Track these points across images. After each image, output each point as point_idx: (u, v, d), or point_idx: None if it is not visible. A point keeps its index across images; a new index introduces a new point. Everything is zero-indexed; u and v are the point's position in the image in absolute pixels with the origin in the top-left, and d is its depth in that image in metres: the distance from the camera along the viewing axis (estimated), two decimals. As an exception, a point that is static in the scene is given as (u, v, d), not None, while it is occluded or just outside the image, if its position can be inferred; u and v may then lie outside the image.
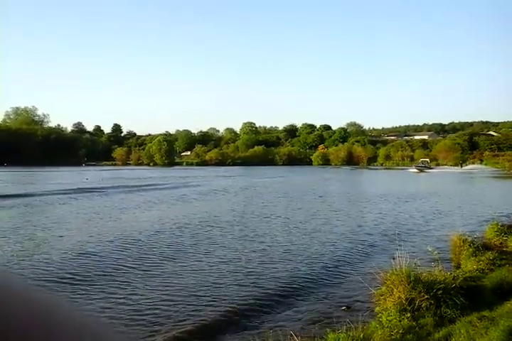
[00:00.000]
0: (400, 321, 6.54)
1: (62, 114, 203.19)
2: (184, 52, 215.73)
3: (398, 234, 14.96)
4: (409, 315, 6.66)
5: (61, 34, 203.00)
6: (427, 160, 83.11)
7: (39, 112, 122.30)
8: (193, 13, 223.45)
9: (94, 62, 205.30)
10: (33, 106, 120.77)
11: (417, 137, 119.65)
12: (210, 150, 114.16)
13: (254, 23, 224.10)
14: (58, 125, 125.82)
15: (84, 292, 9.04)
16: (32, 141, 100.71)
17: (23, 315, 0.37)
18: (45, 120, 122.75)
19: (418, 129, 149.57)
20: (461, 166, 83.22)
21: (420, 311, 6.82)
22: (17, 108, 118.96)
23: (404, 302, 6.93)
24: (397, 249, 8.51)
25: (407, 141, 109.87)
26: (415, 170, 74.86)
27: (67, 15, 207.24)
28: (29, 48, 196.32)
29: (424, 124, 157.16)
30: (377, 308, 7.35)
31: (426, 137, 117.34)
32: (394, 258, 7.84)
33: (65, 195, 29.42)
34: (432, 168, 78.11)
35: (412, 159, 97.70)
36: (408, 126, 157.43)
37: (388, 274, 7.61)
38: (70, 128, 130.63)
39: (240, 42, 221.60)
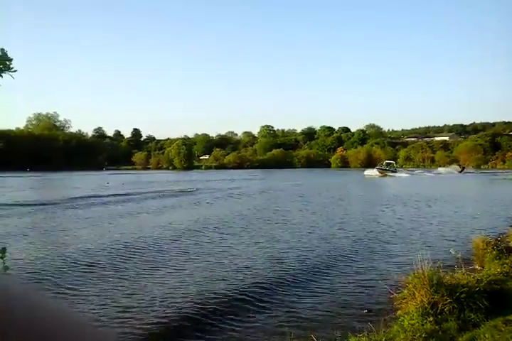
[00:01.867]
0: (423, 325, 6.44)
1: (83, 119, 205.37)
2: (204, 56, 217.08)
3: (419, 237, 14.80)
4: (431, 318, 6.56)
5: (80, 40, 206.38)
6: (393, 162, 74.38)
7: (60, 118, 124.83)
8: (231, 11, 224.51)
9: (113, 68, 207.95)
10: (55, 112, 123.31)
11: (437, 138, 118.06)
12: (228, 154, 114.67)
13: (273, 24, 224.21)
14: (79, 130, 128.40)
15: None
16: (53, 146, 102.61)
17: (23, 320, 0.37)
18: (67, 125, 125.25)
19: (439, 130, 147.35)
20: (462, 170, 74.36)
21: (443, 315, 6.71)
22: (39, 114, 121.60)
23: (426, 305, 6.83)
24: (418, 252, 8.41)
25: (428, 143, 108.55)
26: (376, 174, 63.96)
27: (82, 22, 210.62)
28: (50, 53, 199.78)
29: (445, 125, 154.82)
30: (399, 312, 7.26)
31: (447, 138, 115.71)
32: (415, 262, 7.73)
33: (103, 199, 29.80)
34: (396, 171, 67.22)
35: (433, 161, 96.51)
36: (428, 127, 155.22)
37: (410, 277, 7.51)
38: (90, 134, 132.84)
39: (260, 46, 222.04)
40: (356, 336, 5.99)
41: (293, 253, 12.99)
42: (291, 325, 7.53)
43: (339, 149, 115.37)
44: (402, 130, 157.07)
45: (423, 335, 6.05)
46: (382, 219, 20.17)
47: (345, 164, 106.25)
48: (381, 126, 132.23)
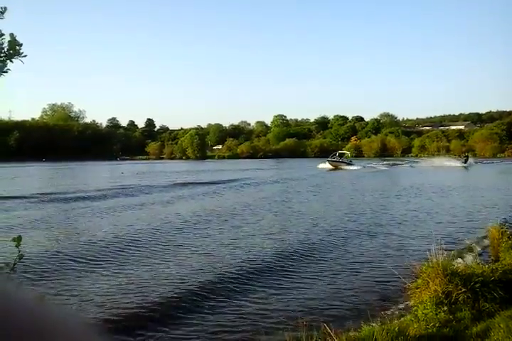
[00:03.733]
0: (437, 314, 6.41)
1: (97, 109, 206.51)
2: (215, 45, 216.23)
3: (433, 226, 14.69)
4: (445, 308, 6.53)
5: (89, 31, 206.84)
6: (347, 152, 64.00)
7: (75, 108, 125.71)
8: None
9: (126, 58, 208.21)
10: (69, 103, 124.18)
11: (453, 127, 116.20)
12: (241, 144, 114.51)
13: (286, 12, 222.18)
14: (94, 120, 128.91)
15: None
16: (68, 136, 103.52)
17: (21, 321, 0.37)
18: (81, 116, 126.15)
19: (454, 119, 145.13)
20: (466, 160, 59.48)
21: (457, 305, 6.67)
22: (54, 104, 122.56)
23: (440, 295, 6.79)
24: (432, 242, 8.35)
25: (443, 132, 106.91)
26: (328, 166, 55.80)
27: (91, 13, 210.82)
28: (62, 42, 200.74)
29: (460, 114, 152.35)
30: (413, 301, 7.24)
31: (462, 127, 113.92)
32: (429, 251, 7.68)
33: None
34: (351, 163, 57.95)
35: (448, 150, 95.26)
36: (443, 116, 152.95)
37: (424, 267, 7.47)
38: (105, 124, 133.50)
39: (273, 35, 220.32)
40: (369, 325, 5.98)
41: (303, 241, 13.00)
42: (304, 313, 7.55)
43: (353, 138, 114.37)
44: (417, 119, 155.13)
45: (437, 325, 6.03)
46: (394, 209, 20.06)
47: (359, 153, 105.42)
48: (395, 115, 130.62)
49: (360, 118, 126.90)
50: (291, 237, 13.86)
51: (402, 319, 6.44)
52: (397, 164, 65.18)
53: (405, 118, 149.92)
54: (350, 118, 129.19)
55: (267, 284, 9.21)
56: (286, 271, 10.21)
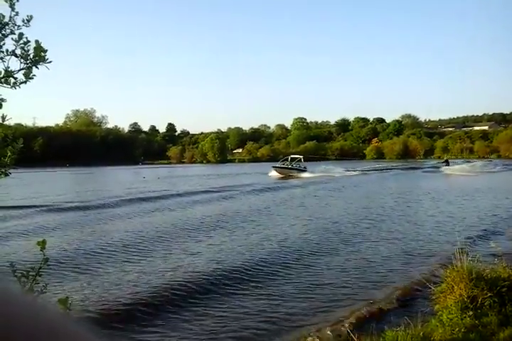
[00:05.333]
0: (462, 319, 6.29)
1: (119, 114, 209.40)
2: (235, 50, 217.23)
3: (456, 230, 14.43)
4: (471, 313, 6.40)
5: (111, 36, 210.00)
6: (300, 157, 51.34)
7: (97, 114, 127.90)
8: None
9: (149, 64, 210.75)
10: (92, 108, 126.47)
11: (476, 128, 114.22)
12: (261, 147, 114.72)
13: (302, 13, 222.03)
14: (116, 126, 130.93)
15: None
16: (91, 141, 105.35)
17: (22, 324, 0.37)
18: (104, 121, 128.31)
19: (477, 119, 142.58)
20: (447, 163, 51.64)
21: (483, 309, 6.53)
22: (77, 110, 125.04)
23: (465, 300, 6.66)
24: (456, 245, 8.21)
25: (466, 133, 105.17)
26: (276, 174, 47.17)
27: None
28: (84, 50, 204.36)
29: (484, 114, 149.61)
30: (437, 306, 7.11)
31: (486, 128, 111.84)
32: (454, 254, 7.55)
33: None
34: (305, 170, 47.39)
35: (472, 151, 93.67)
36: (467, 117, 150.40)
37: (448, 271, 7.34)
38: (127, 129, 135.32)
39: (291, 37, 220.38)
40: (393, 330, 5.90)
41: (324, 245, 12.93)
42: (326, 317, 7.50)
43: (374, 140, 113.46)
44: (440, 120, 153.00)
45: (462, 330, 5.91)
46: (417, 213, 19.81)
47: (380, 155, 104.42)
48: (417, 116, 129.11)
49: (381, 120, 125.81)
50: (309, 241, 13.79)
51: (426, 324, 6.33)
52: (381, 169, 55.94)
53: (427, 120, 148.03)
54: (371, 120, 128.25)
55: (288, 284, 9.17)
56: (307, 273, 10.16)
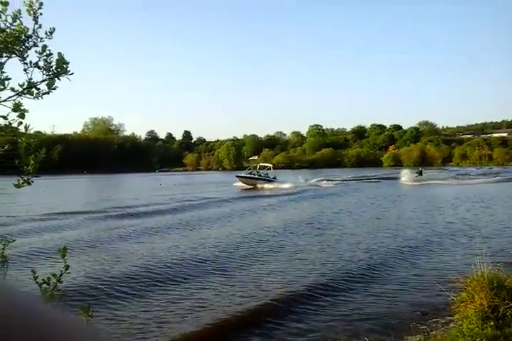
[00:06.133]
0: (483, 330, 6.17)
1: (136, 122, 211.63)
2: (251, 57, 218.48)
3: (477, 240, 14.22)
4: (492, 323, 6.27)
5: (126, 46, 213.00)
6: (269, 165, 48.08)
7: (115, 122, 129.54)
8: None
9: (167, 73, 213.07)
10: (110, 116, 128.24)
11: (495, 135, 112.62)
12: (277, 154, 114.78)
13: (305, 24, 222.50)
14: (133, 133, 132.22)
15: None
16: (109, 149, 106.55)
17: (23, 326, 0.37)
18: (121, 129, 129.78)
19: (496, 126, 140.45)
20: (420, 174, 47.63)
21: (505, 320, 6.40)
22: (95, 118, 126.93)
23: (486, 309, 6.54)
24: (476, 254, 8.07)
25: (485, 139, 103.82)
26: (241, 185, 43.48)
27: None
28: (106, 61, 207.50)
29: (503, 121, 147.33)
30: (457, 316, 7.00)
31: (505, 134, 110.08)
32: (474, 263, 7.43)
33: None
34: (274, 180, 43.41)
35: (491, 158, 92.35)
36: (485, 123, 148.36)
37: (469, 280, 7.22)
38: (143, 136, 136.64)
39: (308, 45, 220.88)
40: (413, 339, 5.82)
41: (347, 255, 12.83)
42: (345, 326, 7.43)
43: (391, 147, 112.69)
44: (457, 127, 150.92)
45: (483, 340, 5.80)
46: (435, 223, 19.55)
47: (397, 163, 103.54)
48: (435, 123, 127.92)
49: (398, 127, 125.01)
50: (328, 256, 13.71)
51: (446, 334, 6.23)
52: (360, 179, 50.42)
53: (445, 127, 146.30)
54: (387, 127, 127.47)
55: (309, 296, 9.11)
56: (327, 283, 10.09)
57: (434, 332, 5.99)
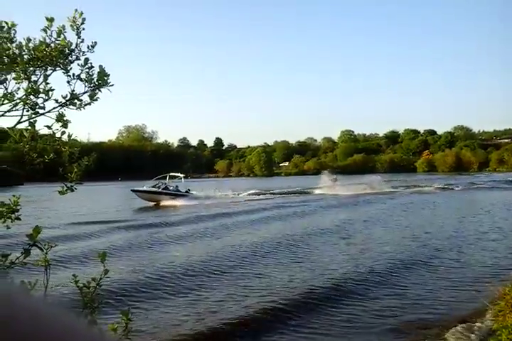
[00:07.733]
0: (523, 340, 5.99)
1: (169, 130, 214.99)
2: (282, 63, 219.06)
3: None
4: (533, 334, 6.08)
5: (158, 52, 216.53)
6: (180, 175, 39.79)
7: (148, 129, 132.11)
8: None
9: (196, 81, 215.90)
10: (143, 124, 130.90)
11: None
12: (307, 160, 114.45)
13: (329, 27, 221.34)
14: (166, 141, 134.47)
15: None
16: (142, 156, 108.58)
17: (27, 327, 0.37)
18: (154, 136, 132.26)
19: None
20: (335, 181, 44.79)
21: (546, 331, 6.18)
22: (129, 126, 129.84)
23: (527, 320, 6.34)
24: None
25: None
26: (145, 199, 33.68)
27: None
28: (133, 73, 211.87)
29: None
30: (496, 325, 6.80)
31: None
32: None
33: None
34: (187, 194, 35.43)
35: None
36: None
37: (507, 288, 7.02)
38: (176, 144, 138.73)
39: (339, 47, 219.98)
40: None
41: (378, 263, 12.65)
42: (374, 333, 7.34)
43: (425, 153, 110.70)
44: (494, 131, 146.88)
45: (523, 351, 5.62)
46: (468, 230, 19.05)
47: (431, 168, 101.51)
48: (470, 128, 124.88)
49: (432, 132, 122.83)
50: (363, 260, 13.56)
51: (484, 343, 6.07)
52: (305, 192, 42.70)
53: (481, 131, 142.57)
54: (421, 131, 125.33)
55: (336, 303, 9.04)
56: (358, 289, 9.98)
57: (471, 342, 5.85)
